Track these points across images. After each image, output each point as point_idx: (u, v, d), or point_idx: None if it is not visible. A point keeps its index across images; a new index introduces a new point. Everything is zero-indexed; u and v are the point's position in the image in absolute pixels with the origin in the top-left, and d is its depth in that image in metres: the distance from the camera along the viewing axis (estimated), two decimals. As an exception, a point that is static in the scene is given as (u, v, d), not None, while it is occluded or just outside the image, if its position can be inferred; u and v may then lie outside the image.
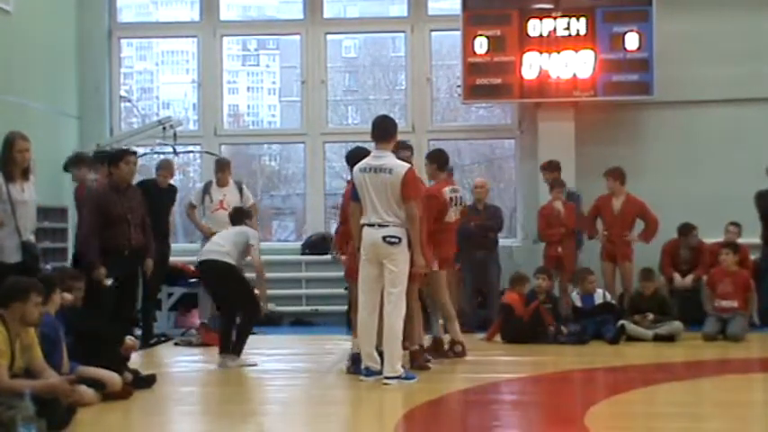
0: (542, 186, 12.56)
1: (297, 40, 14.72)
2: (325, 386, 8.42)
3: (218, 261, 9.31)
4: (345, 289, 10.53)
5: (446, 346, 9.67)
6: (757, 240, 12.30)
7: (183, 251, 12.64)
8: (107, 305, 9.35)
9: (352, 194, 8.35)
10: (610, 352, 10.38)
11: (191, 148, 14.25)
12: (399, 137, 8.89)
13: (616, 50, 13.05)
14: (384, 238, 8.05)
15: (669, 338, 10.86)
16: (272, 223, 16.68)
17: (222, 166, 12.20)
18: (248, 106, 21.26)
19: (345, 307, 11.52)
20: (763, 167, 11.89)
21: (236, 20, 16.17)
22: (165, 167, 11.87)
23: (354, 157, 8.69)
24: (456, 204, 9.62)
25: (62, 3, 13.70)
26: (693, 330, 11.18)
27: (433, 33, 14.39)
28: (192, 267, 12.31)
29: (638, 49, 13.02)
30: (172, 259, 11.91)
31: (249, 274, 9.63)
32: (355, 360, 8.49)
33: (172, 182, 12.00)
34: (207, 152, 13.91)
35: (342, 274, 9.70)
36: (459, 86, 13.56)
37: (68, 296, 7.63)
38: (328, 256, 13.17)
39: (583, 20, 13.06)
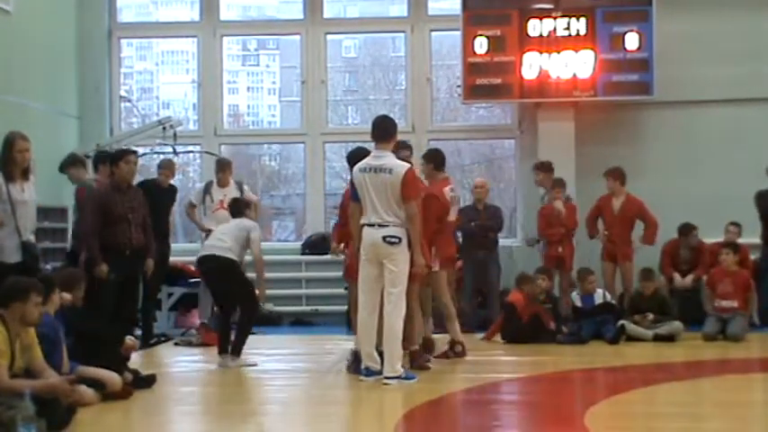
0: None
1: (297, 40, 14.73)
2: (325, 386, 8.42)
3: (219, 257, 9.31)
4: (345, 289, 10.53)
5: (446, 346, 9.67)
6: (757, 240, 12.31)
7: (183, 251, 12.64)
8: (107, 305, 9.35)
9: (352, 194, 8.35)
10: (610, 352, 10.38)
11: (191, 148, 14.25)
12: (399, 137, 8.89)
13: (616, 50, 13.05)
14: (384, 238, 8.05)
15: (669, 338, 10.86)
16: (272, 223, 16.67)
17: (223, 167, 12.20)
18: (248, 106, 21.26)
19: (345, 307, 11.52)
20: (763, 167, 11.89)
21: (236, 20, 16.18)
22: (167, 167, 11.88)
23: (355, 157, 8.68)
24: (456, 204, 9.63)
25: (62, 3, 13.70)
26: (693, 330, 11.19)
27: (433, 33, 14.39)
28: (192, 267, 12.34)
29: (638, 49, 13.02)
30: (172, 259, 11.91)
31: (250, 275, 9.61)
32: (357, 357, 8.49)
33: (172, 182, 11.99)
34: (207, 152, 13.91)
35: (342, 273, 9.71)
36: (459, 86, 13.56)
37: (68, 296, 7.62)
38: (328, 256, 13.18)
39: (583, 20, 13.07)
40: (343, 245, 9.44)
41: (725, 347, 10.64)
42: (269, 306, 13.03)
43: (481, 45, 13.13)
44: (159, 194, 11.34)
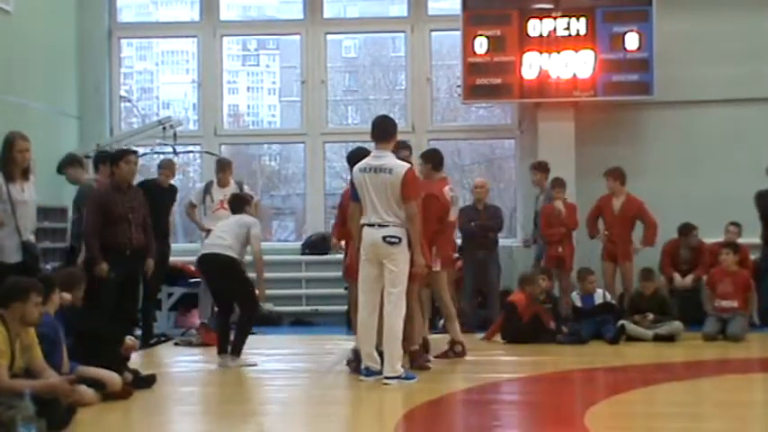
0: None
1: (297, 40, 14.73)
2: (325, 386, 8.42)
3: (220, 254, 9.29)
4: (345, 289, 10.53)
5: (446, 346, 9.67)
6: (757, 240, 12.31)
7: (183, 251, 12.64)
8: (108, 304, 9.37)
9: (352, 194, 8.35)
10: (610, 352, 10.38)
11: (191, 148, 14.25)
12: (399, 137, 8.89)
13: (616, 50, 13.05)
14: (384, 238, 8.05)
15: (669, 338, 10.86)
16: (272, 223, 16.67)
17: (223, 167, 12.20)
18: (248, 106, 21.25)
19: (345, 307, 11.52)
20: (763, 167, 11.89)
21: (236, 20, 16.18)
22: (167, 167, 11.87)
23: (355, 157, 8.68)
24: (455, 204, 9.63)
25: (62, 3, 13.70)
26: (693, 330, 11.19)
27: (433, 33, 14.40)
28: (192, 267, 12.33)
29: (638, 49, 13.02)
30: (172, 259, 11.91)
31: (251, 275, 9.60)
32: (358, 354, 8.48)
33: (172, 182, 11.99)
34: (207, 152, 13.91)
35: (341, 273, 9.71)
36: (459, 86, 13.56)
37: (68, 296, 7.62)
38: (328, 256, 13.20)
39: (583, 20, 13.07)
40: (343, 242, 9.43)
41: (725, 347, 10.64)
42: (269, 306, 13.03)
43: (481, 45, 13.13)
44: (159, 194, 11.34)
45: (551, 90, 13.13)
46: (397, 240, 8.06)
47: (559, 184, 12.14)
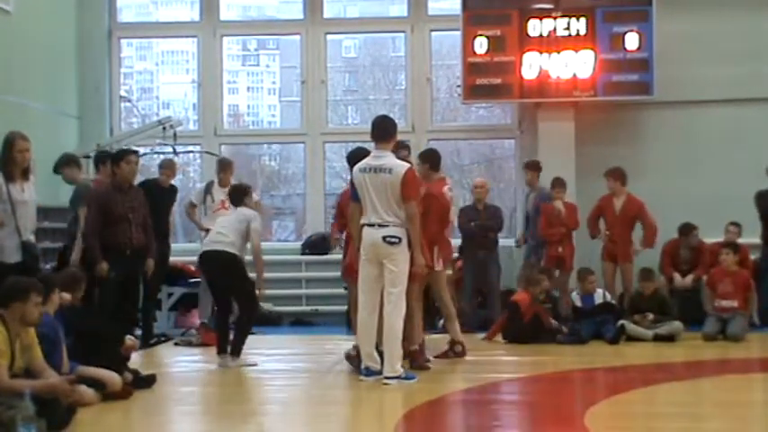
0: (546, 186, 12.52)
1: (297, 40, 14.74)
2: (325, 386, 8.42)
3: (221, 252, 9.28)
4: (345, 289, 10.53)
5: (446, 346, 9.67)
6: (757, 240, 12.31)
7: (183, 251, 12.64)
8: (108, 303, 9.38)
9: (352, 194, 8.35)
10: (610, 352, 10.38)
11: (191, 148, 14.26)
12: (399, 137, 8.89)
13: (616, 50, 13.05)
14: (384, 238, 8.05)
15: (669, 338, 10.86)
16: (272, 223, 16.67)
17: (224, 167, 12.19)
18: (248, 106, 21.25)
19: (345, 307, 11.52)
20: (763, 167, 11.89)
21: (236, 20, 16.18)
22: (168, 167, 11.87)
23: (355, 157, 8.68)
24: (455, 204, 9.63)
25: (62, 3, 13.70)
26: (693, 330, 11.18)
27: (433, 33, 14.41)
28: (193, 267, 12.34)
29: (638, 49, 13.02)
30: (172, 259, 11.90)
31: (252, 274, 9.59)
32: (359, 349, 8.47)
33: (172, 182, 11.99)
34: (207, 152, 13.92)
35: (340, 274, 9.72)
36: (459, 86, 13.56)
37: (67, 296, 7.62)
38: (328, 256, 13.20)
39: (583, 20, 13.07)
40: (343, 234, 9.40)
41: (725, 347, 10.63)
42: (269, 306, 13.04)
43: (481, 45, 13.13)
44: (160, 194, 11.35)
45: (551, 90, 13.13)
46: (397, 240, 8.06)
47: (559, 184, 12.14)
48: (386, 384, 7.99)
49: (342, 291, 11.40)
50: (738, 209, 12.17)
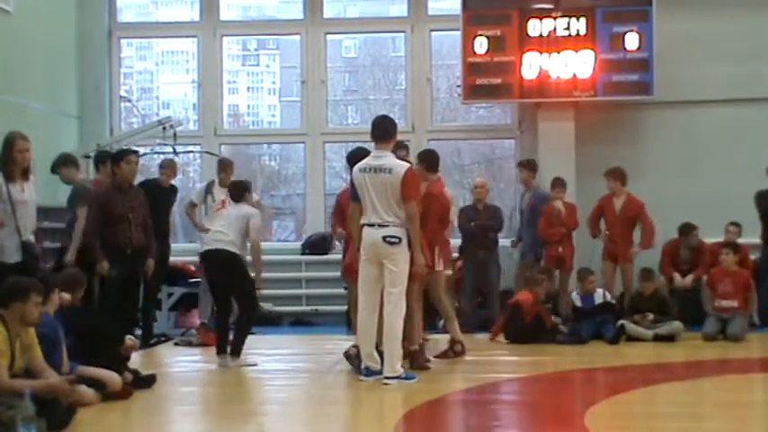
0: (543, 186, 12.52)
1: (297, 40, 14.73)
2: (325, 386, 8.42)
3: (222, 250, 9.27)
4: (345, 289, 10.53)
5: (446, 346, 9.67)
6: (757, 240, 12.31)
7: (183, 251, 12.65)
8: (110, 301, 9.40)
9: (352, 194, 8.35)
10: (610, 352, 10.38)
11: (191, 148, 14.25)
12: (399, 137, 8.88)
13: (616, 50, 13.04)
14: (384, 237, 8.05)
15: (669, 338, 10.86)
16: (272, 223, 16.67)
17: (225, 167, 12.18)
18: (248, 106, 21.26)
19: (345, 307, 11.52)
20: (763, 167, 11.89)
21: (236, 20, 16.18)
22: (169, 166, 11.88)
23: (355, 157, 8.68)
24: (454, 204, 9.64)
25: (62, 3, 13.70)
26: (693, 330, 11.19)
27: (433, 33, 14.40)
28: (193, 267, 12.35)
29: (638, 49, 13.01)
30: (172, 259, 11.91)
31: (254, 274, 9.59)
32: (359, 348, 8.47)
33: (173, 182, 11.99)
34: (207, 152, 13.92)
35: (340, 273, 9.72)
36: (459, 86, 13.56)
37: (67, 296, 7.62)
38: (328, 256, 13.21)
39: (583, 20, 13.06)
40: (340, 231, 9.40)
41: (725, 347, 10.64)
42: (269, 306, 13.04)
43: (481, 45, 13.13)
44: (160, 194, 11.35)
45: (551, 90, 13.13)
46: (397, 240, 8.06)
47: (559, 184, 12.15)
48: (386, 384, 7.99)
49: (342, 291, 11.40)
50: (738, 209, 12.17)
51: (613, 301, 11.48)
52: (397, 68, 15.96)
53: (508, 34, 13.13)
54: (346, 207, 8.82)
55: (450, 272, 11.04)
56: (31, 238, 8.49)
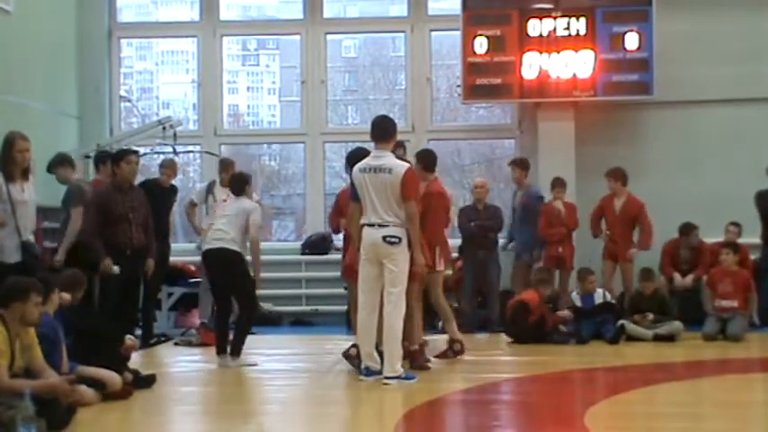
0: (543, 186, 12.53)
1: (297, 40, 14.73)
2: (325, 386, 8.43)
3: (223, 248, 9.27)
4: (345, 289, 10.53)
5: (445, 346, 9.67)
6: (757, 240, 12.31)
7: (183, 251, 12.64)
8: (111, 300, 9.41)
9: (352, 194, 8.35)
10: (610, 352, 10.38)
11: (191, 148, 14.25)
12: (399, 137, 8.88)
13: (616, 50, 13.05)
14: (384, 237, 8.05)
15: (669, 338, 10.86)
16: (272, 223, 16.68)
17: (226, 166, 12.16)
18: (248, 106, 21.27)
19: (345, 307, 11.52)
20: (763, 167, 11.89)
21: (236, 20, 16.19)
22: (169, 166, 11.88)
23: (355, 157, 8.68)
24: (454, 204, 9.64)
25: (62, 3, 13.70)
26: (693, 330, 11.19)
27: (433, 33, 14.40)
28: (193, 267, 12.35)
29: (638, 49, 13.02)
30: (172, 259, 11.91)
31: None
32: (359, 348, 8.46)
33: (173, 182, 11.99)
34: (207, 152, 13.92)
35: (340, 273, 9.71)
36: (459, 86, 13.56)
37: (67, 296, 7.62)
38: (328, 256, 13.20)
39: (583, 20, 13.06)
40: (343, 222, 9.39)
41: (725, 347, 10.64)
42: (269, 306, 13.04)
43: (481, 45, 13.13)
44: (160, 194, 11.36)
45: (551, 90, 13.13)
46: (397, 240, 8.06)
47: (559, 183, 12.15)
48: (386, 384, 7.98)
49: (342, 291, 11.40)
50: (738, 209, 12.18)
51: (613, 301, 11.49)
52: (397, 68, 15.96)
53: (508, 34, 13.13)
54: (345, 206, 8.83)
55: (450, 272, 11.05)
56: (31, 238, 8.50)
